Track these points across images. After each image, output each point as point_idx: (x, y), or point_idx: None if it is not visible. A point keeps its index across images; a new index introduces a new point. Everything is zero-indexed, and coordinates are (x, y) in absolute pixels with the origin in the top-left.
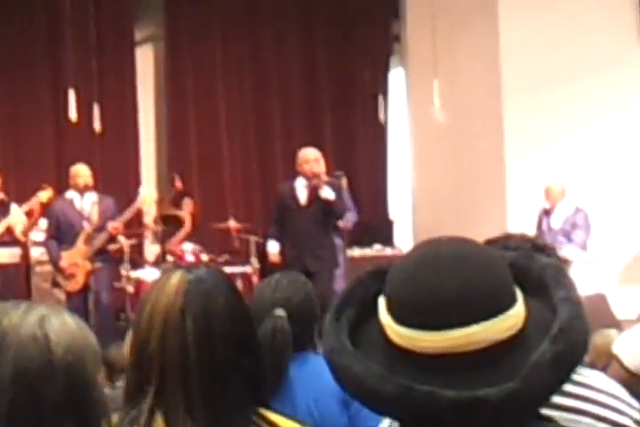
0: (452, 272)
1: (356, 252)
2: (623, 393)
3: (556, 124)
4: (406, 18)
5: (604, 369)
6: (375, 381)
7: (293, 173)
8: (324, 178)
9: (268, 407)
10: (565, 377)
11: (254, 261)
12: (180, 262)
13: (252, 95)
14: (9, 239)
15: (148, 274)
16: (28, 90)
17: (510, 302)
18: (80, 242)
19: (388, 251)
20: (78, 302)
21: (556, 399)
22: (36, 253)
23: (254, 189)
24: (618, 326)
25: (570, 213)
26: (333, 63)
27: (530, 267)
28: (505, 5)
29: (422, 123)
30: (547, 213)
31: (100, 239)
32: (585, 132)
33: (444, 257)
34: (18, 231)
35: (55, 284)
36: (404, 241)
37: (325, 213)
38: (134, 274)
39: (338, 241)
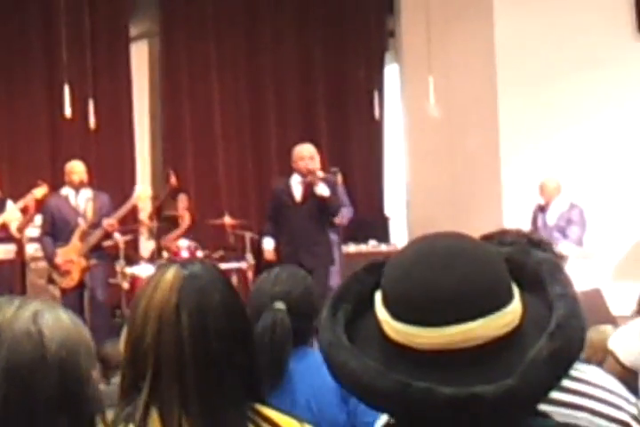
0: (449, 268)
1: (352, 248)
2: (620, 388)
3: (551, 120)
4: (401, 14)
5: (599, 364)
6: (372, 377)
7: (288, 169)
8: (319, 175)
9: (264, 403)
10: (562, 374)
11: (249, 257)
12: (175, 258)
13: (247, 91)
14: (4, 236)
15: (144, 270)
16: (22, 86)
17: (507, 299)
18: (75, 239)
19: (384, 247)
20: (73, 299)
21: (553, 395)
22: (31, 249)
23: (249, 185)
24: (613, 321)
25: (565, 209)
26: (328, 59)
27: (526, 262)
28: (500, 0)
29: (417, 118)
30: (542, 209)
31: (96, 236)
32: (580, 128)
33: (440, 253)
34: (13, 228)
35: (50, 280)
36: (399, 237)
37: (320, 209)
38: (129, 270)
39: (334, 237)
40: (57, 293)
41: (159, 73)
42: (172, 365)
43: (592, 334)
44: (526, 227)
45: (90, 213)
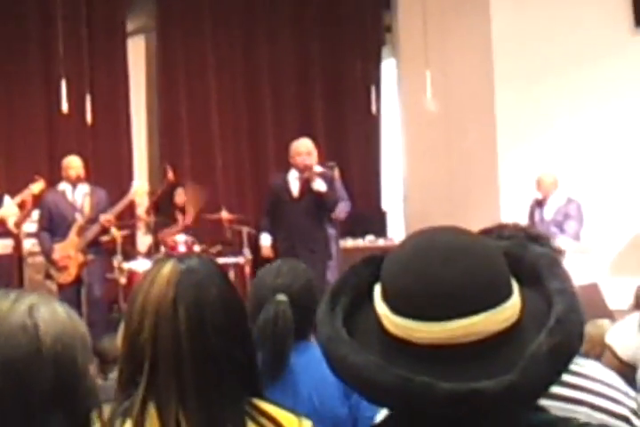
0: (450, 262)
1: (349, 243)
2: (620, 382)
3: (548, 114)
4: (397, 8)
5: (597, 358)
6: (373, 371)
7: (285, 164)
8: (316, 170)
9: (262, 398)
10: (562, 369)
11: (247, 251)
12: (172, 253)
13: (244, 86)
14: (1, 231)
15: (141, 265)
16: (19, 81)
17: (507, 293)
18: (72, 234)
19: (381, 242)
20: (71, 294)
21: (553, 389)
22: (29, 244)
23: (246, 180)
24: (610, 316)
25: (562, 204)
26: (325, 54)
27: (523, 256)
28: None
29: (414, 113)
30: (539, 203)
31: (93, 231)
32: (578, 122)
33: (440, 247)
34: (10, 223)
35: (48, 276)
36: (396, 232)
37: (318, 205)
38: (127, 265)
39: (332, 231)
40: (54, 288)
41: (156, 68)
42: (169, 359)
43: (590, 329)
44: (523, 221)
45: (87, 209)
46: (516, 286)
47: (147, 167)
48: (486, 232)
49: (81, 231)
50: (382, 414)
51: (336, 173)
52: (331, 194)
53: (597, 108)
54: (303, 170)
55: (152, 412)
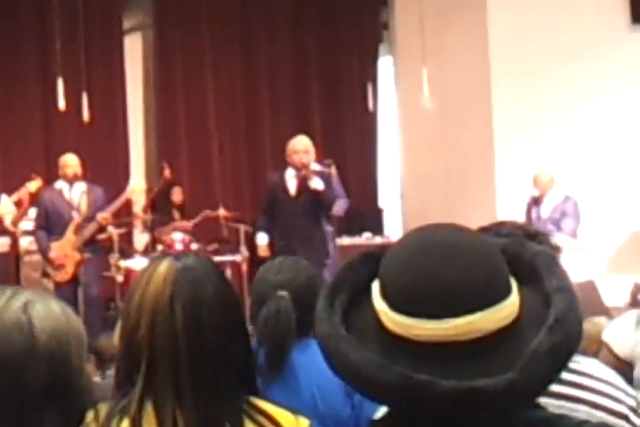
0: (449, 260)
1: (346, 240)
2: (619, 380)
3: (545, 112)
4: (394, 6)
5: (594, 356)
6: (373, 369)
7: (282, 161)
8: (313, 168)
9: (259, 396)
10: (562, 367)
11: (244, 249)
12: (168, 251)
13: (241, 84)
14: None
15: (138, 263)
16: (16, 79)
17: (506, 291)
18: (69, 232)
19: (378, 239)
20: (67, 293)
21: (553, 387)
22: (25, 242)
23: (244, 177)
24: (607, 313)
25: (559, 202)
26: (322, 51)
27: (521, 254)
28: None
29: (411, 110)
30: (536, 201)
31: (90, 230)
32: (575, 120)
33: (439, 244)
34: (7, 222)
35: (45, 274)
36: (393, 229)
37: (315, 203)
38: (124, 263)
39: (329, 229)
40: (51, 286)
41: (153, 65)
42: (166, 357)
43: (587, 326)
44: (520, 219)
45: (84, 207)
46: (514, 284)
47: (144, 165)
48: (484, 230)
49: (78, 229)
50: (382, 410)
51: (333, 170)
52: (328, 192)
53: (594, 106)
54: (300, 168)
55: (149, 410)
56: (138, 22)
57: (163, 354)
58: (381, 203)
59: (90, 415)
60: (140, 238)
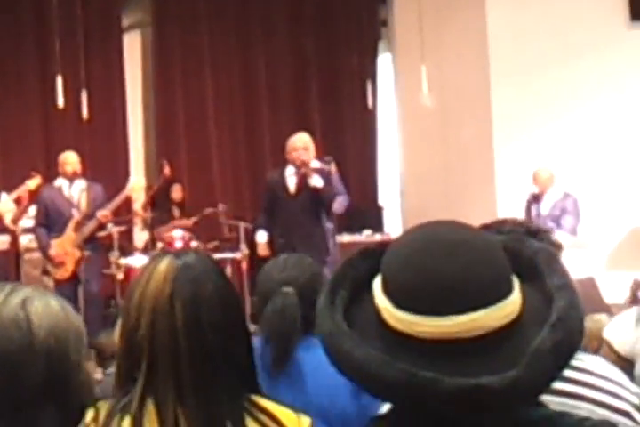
0: (452, 257)
1: (346, 238)
2: (623, 378)
3: (544, 109)
4: (393, 3)
5: (594, 353)
6: (376, 365)
7: (282, 159)
8: (313, 165)
9: (260, 394)
10: (564, 365)
11: (244, 247)
12: (168, 249)
13: (240, 81)
14: None
15: (138, 261)
16: (15, 77)
17: (509, 288)
18: (69, 230)
19: (378, 237)
20: (67, 290)
21: (556, 385)
22: (25, 240)
23: (243, 175)
24: (607, 310)
25: (559, 199)
26: (321, 49)
27: (521, 251)
28: None
29: (410, 108)
30: (535, 198)
31: (90, 227)
32: (574, 117)
33: (443, 241)
34: (7, 220)
35: (45, 272)
36: (393, 227)
37: (315, 200)
38: (123, 261)
39: (329, 226)
40: (51, 284)
41: (152, 63)
42: (166, 355)
43: (587, 323)
44: (520, 216)
45: (84, 204)
46: (516, 282)
47: (143, 163)
48: (486, 227)
49: (78, 227)
50: (385, 407)
51: (333, 167)
52: (327, 190)
53: (594, 103)
54: (300, 165)
55: (150, 408)
56: (137, 20)
57: (163, 352)
58: (381, 200)
59: (89, 414)
60: (140, 236)
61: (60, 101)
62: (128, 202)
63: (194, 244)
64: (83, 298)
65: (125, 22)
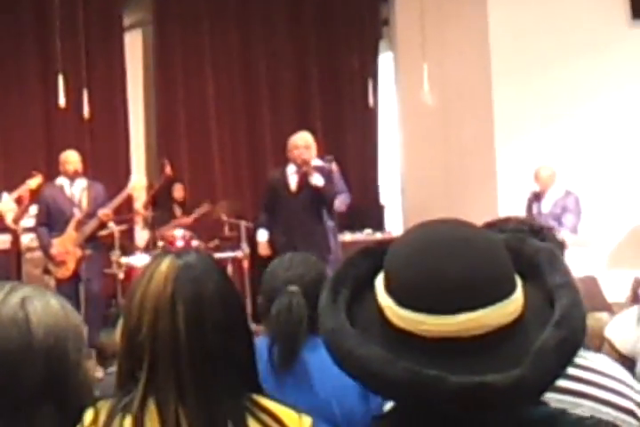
0: (455, 255)
1: (347, 237)
2: (626, 376)
3: (545, 108)
4: (395, 1)
5: (596, 351)
6: (380, 364)
7: (283, 158)
8: (315, 164)
9: (262, 393)
10: (568, 363)
11: (244, 246)
12: (170, 248)
13: (242, 80)
14: None
15: (139, 260)
16: (16, 76)
17: (512, 287)
18: (70, 229)
19: (379, 235)
20: (69, 289)
21: (559, 383)
22: (26, 239)
23: (244, 174)
24: (609, 308)
25: (560, 197)
26: (322, 48)
27: (522, 250)
28: None
29: (412, 106)
30: (537, 196)
31: (91, 226)
32: (575, 115)
33: (446, 239)
34: (9, 219)
35: (46, 271)
36: (394, 225)
37: (316, 199)
38: (125, 260)
39: (330, 224)
40: (52, 283)
41: (153, 62)
42: (168, 355)
43: (589, 322)
44: (521, 215)
45: (85, 203)
46: (518, 280)
47: (144, 162)
48: (490, 225)
49: (79, 226)
50: (389, 404)
51: (334, 166)
52: (328, 188)
53: (595, 101)
54: (301, 164)
55: (152, 408)
56: (138, 19)
57: (165, 352)
58: (382, 199)
59: (89, 414)
60: (141, 235)
61: (62, 100)
62: (129, 201)
63: (195, 243)
64: (84, 297)
65: (126, 21)
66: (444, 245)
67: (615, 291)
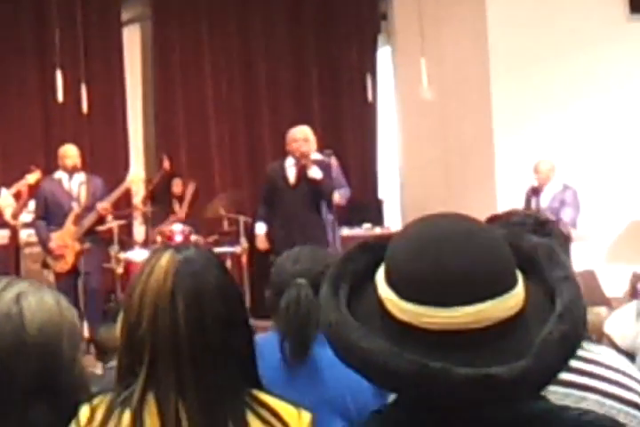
0: (457, 249)
1: (346, 231)
2: (631, 369)
3: (544, 102)
4: None
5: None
6: (385, 356)
7: (282, 153)
8: (313, 157)
9: (262, 389)
10: (571, 355)
11: (243, 241)
12: (169, 243)
13: (240, 75)
14: None
15: (138, 255)
16: (14, 71)
17: (514, 280)
18: (69, 223)
19: (378, 230)
20: (67, 284)
21: (563, 375)
22: (25, 234)
23: (243, 168)
24: (607, 303)
25: (558, 191)
26: (321, 42)
27: (521, 245)
28: None
29: (410, 101)
30: (535, 191)
31: (89, 220)
32: (573, 110)
33: (447, 233)
34: (7, 215)
35: (45, 265)
36: (393, 220)
37: (314, 192)
38: (123, 255)
39: (330, 217)
40: (51, 278)
41: (151, 57)
42: (168, 350)
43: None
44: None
45: (83, 197)
46: (519, 274)
47: (143, 156)
48: (495, 218)
49: (77, 220)
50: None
51: (334, 160)
52: (326, 181)
53: (593, 96)
54: (299, 157)
55: (151, 402)
56: (136, 14)
57: (165, 346)
58: (381, 194)
59: (85, 411)
60: (140, 230)
61: (60, 95)
62: (128, 196)
63: (193, 238)
64: (83, 292)
65: (125, 16)
66: (445, 239)
67: (614, 285)
